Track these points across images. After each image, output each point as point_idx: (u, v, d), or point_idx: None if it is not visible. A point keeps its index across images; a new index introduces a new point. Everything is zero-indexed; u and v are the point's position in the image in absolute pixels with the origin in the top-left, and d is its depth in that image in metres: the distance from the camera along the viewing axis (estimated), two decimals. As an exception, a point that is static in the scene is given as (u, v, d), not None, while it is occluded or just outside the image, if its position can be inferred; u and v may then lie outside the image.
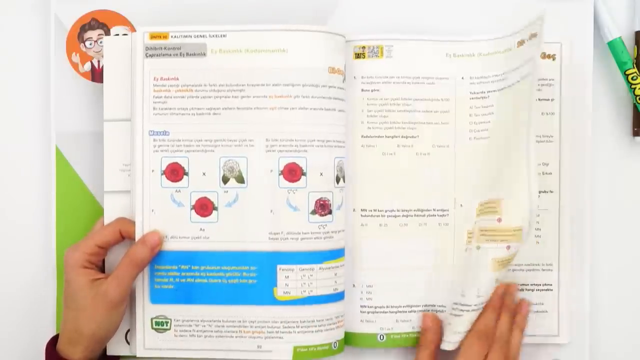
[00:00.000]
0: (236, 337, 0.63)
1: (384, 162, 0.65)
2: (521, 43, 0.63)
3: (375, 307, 0.65)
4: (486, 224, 0.62)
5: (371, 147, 0.65)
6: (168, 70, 0.63)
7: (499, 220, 0.61)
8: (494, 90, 0.65)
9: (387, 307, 0.65)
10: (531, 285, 0.66)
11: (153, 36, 0.62)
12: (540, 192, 0.65)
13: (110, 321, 0.60)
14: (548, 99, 0.66)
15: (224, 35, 0.62)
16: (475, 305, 0.62)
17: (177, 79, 0.63)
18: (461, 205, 0.65)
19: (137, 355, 0.63)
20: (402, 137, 0.65)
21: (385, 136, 0.65)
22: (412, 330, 0.65)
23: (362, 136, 0.65)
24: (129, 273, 0.60)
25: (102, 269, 0.62)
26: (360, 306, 0.65)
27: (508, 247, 0.60)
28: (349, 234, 0.65)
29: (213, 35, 0.62)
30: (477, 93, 0.65)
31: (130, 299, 0.62)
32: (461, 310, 0.62)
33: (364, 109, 0.65)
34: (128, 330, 0.64)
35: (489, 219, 0.62)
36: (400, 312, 0.65)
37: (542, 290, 0.66)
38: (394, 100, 0.65)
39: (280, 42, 0.62)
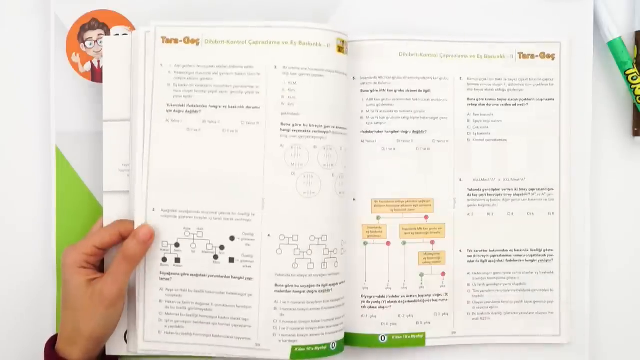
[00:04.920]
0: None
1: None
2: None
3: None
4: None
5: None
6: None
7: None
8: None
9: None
10: (531, 285, 0.66)
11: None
12: (540, 192, 0.66)
13: (108, 320, 0.60)
14: (548, 99, 0.66)
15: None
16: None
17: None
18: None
19: (136, 352, 0.63)
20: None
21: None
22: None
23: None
24: (123, 269, 0.60)
25: (100, 270, 0.62)
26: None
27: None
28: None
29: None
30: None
31: (127, 298, 0.62)
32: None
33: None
34: (127, 331, 0.64)
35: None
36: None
37: (542, 290, 0.66)
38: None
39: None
